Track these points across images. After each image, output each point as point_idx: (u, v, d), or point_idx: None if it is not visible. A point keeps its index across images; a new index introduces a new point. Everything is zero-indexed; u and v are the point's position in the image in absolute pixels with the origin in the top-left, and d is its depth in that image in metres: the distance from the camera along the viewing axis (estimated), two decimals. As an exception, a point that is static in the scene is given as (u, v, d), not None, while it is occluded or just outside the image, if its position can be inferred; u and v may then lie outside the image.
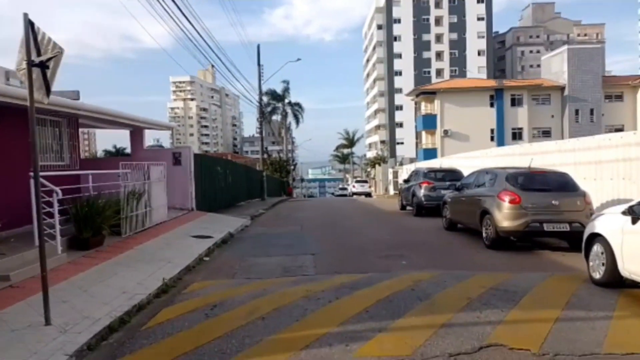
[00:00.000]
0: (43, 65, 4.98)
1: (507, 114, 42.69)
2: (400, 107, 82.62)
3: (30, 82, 4.88)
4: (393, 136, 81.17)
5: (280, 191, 44.75)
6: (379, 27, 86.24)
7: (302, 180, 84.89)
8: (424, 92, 43.76)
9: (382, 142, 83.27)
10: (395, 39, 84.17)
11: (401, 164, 46.27)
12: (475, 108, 42.21)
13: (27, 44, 4.78)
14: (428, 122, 43.06)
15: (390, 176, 40.61)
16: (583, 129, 42.19)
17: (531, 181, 8.85)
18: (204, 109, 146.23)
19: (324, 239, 10.99)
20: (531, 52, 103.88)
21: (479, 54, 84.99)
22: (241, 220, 14.85)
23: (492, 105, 42.89)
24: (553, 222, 8.34)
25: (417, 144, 79.18)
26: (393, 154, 74.22)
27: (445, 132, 41.74)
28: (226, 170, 20.34)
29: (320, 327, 4.56)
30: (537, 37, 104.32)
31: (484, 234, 9.23)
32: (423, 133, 45.66)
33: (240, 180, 23.93)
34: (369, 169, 64.62)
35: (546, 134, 43.68)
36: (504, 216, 8.59)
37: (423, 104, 44.72)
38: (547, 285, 6.10)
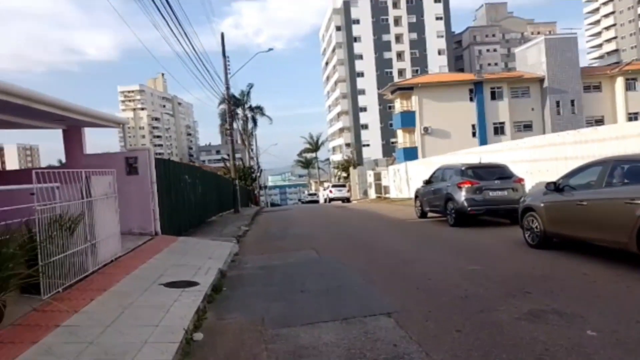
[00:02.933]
0: None
1: (487, 108, 40.29)
2: (364, 109, 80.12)
3: None
4: (359, 138, 78.35)
5: (248, 201, 40.67)
6: (338, 28, 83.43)
7: (265, 187, 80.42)
8: (400, 87, 40.71)
9: (347, 145, 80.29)
10: (355, 39, 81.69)
11: (377, 164, 43.02)
12: (455, 103, 39.55)
13: None
14: (406, 120, 39.99)
15: (370, 179, 37.14)
16: (565, 121, 40.46)
17: None
18: (156, 119, 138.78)
19: (370, 271, 7.18)
20: (488, 50, 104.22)
21: (439, 53, 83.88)
22: (226, 245, 10.78)
23: (471, 99, 40.39)
24: None
25: (383, 145, 76.97)
26: (360, 156, 71.28)
27: (426, 129, 38.80)
28: (195, 180, 16.14)
29: None
30: (493, 35, 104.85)
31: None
32: (400, 132, 42.63)
33: (210, 191, 19.75)
34: (339, 173, 60.92)
35: (527, 127, 41.63)
36: None
37: (398, 100, 41.70)
38: None
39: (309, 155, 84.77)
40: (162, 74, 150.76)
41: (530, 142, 14.81)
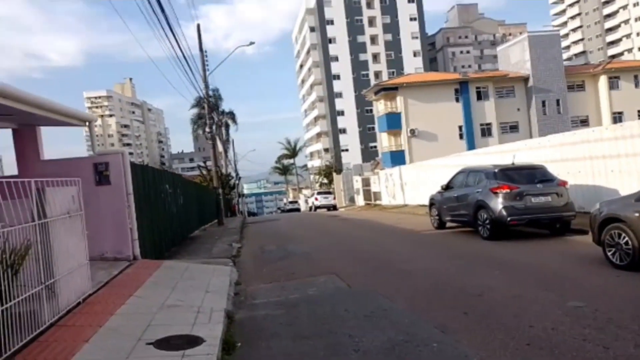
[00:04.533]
0: None
1: (474, 108, 39.16)
2: (341, 113, 78.48)
3: None
4: (337, 143, 76.68)
5: (228, 211, 38.42)
6: (312, 29, 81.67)
7: (242, 195, 77.94)
8: (384, 88, 39.18)
9: (326, 150, 78.51)
10: (329, 41, 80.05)
11: (362, 169, 41.38)
12: (441, 104, 38.25)
13: None
14: (392, 122, 38.46)
15: (358, 184, 35.41)
16: (551, 121, 39.81)
17: None
18: (125, 126, 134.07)
19: (433, 311, 5.32)
20: (461, 52, 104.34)
21: (414, 55, 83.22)
22: (223, 271, 8.76)
23: (457, 100, 39.20)
24: None
25: (362, 150, 75.42)
26: (339, 161, 69.65)
27: (412, 131, 37.35)
28: (177, 190, 14.03)
29: None
30: (466, 37, 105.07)
31: None
32: (384, 135, 41.08)
33: (192, 202, 17.63)
34: (319, 179, 58.97)
35: (514, 128, 40.78)
36: None
37: (382, 102, 40.19)
38: None
39: (286, 162, 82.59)
40: (130, 79, 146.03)
41: (557, 140, 13.29)
